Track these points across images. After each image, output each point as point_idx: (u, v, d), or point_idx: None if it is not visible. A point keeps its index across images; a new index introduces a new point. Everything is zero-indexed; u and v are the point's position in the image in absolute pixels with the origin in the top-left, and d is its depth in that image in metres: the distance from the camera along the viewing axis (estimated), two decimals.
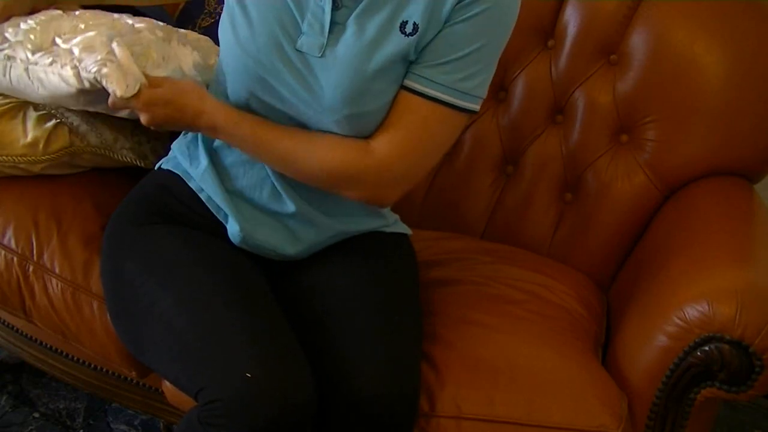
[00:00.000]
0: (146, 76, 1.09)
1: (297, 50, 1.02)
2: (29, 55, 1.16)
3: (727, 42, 1.37)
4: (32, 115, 1.30)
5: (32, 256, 1.27)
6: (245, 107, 1.08)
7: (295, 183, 1.11)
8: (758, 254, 1.12)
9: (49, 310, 1.27)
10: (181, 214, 1.15)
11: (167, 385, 1.22)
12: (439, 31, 1.01)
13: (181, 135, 1.22)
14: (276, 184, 1.11)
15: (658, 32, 1.40)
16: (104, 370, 1.37)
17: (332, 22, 1.01)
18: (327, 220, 1.15)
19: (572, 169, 1.48)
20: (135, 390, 1.36)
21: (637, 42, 1.41)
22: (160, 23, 1.27)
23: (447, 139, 1.08)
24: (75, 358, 1.38)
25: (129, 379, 1.34)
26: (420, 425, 1.07)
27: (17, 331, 1.44)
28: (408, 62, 1.03)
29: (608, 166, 1.44)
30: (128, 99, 1.06)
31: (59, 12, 1.23)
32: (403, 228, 1.27)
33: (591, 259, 1.46)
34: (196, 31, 1.45)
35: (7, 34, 1.20)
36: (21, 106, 1.32)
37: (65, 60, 1.13)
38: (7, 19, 1.22)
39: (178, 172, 1.18)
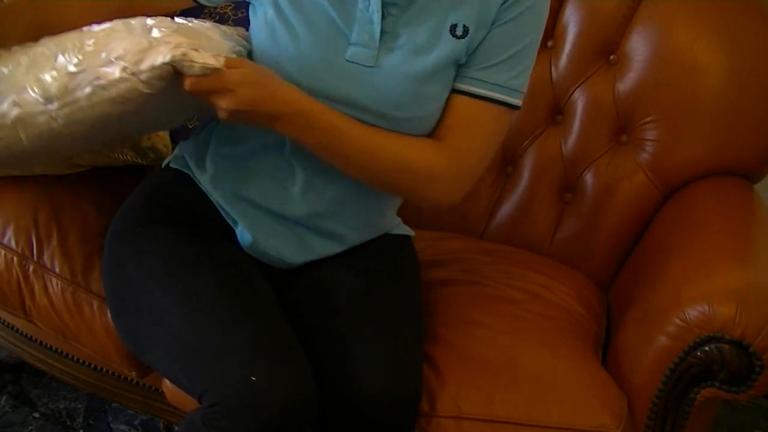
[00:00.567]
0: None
1: (347, 61, 1.02)
2: (48, 95, 0.94)
3: (727, 42, 1.37)
4: None
5: (32, 255, 1.27)
6: None
7: (314, 190, 1.09)
8: (758, 254, 1.12)
9: (49, 310, 1.27)
10: (185, 214, 1.14)
11: (167, 385, 1.22)
12: (487, 33, 1.02)
13: (192, 137, 1.21)
14: (294, 191, 1.09)
15: (658, 32, 1.40)
16: (104, 370, 1.37)
17: (381, 32, 1.01)
18: (341, 229, 1.14)
19: (572, 169, 1.48)
20: (135, 390, 1.36)
21: (637, 42, 1.41)
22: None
23: (501, 137, 1.10)
24: (75, 358, 1.38)
25: (129, 379, 1.34)
26: (420, 425, 1.07)
27: (17, 331, 1.44)
28: (458, 65, 1.04)
29: (608, 166, 1.44)
30: (215, 77, 0.92)
31: (40, 41, 1.02)
32: (405, 230, 1.27)
33: (591, 259, 1.46)
34: None
35: None
36: None
37: (108, 74, 0.93)
38: None
39: (186, 172, 1.17)
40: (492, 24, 1.02)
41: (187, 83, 0.92)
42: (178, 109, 1.13)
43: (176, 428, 1.45)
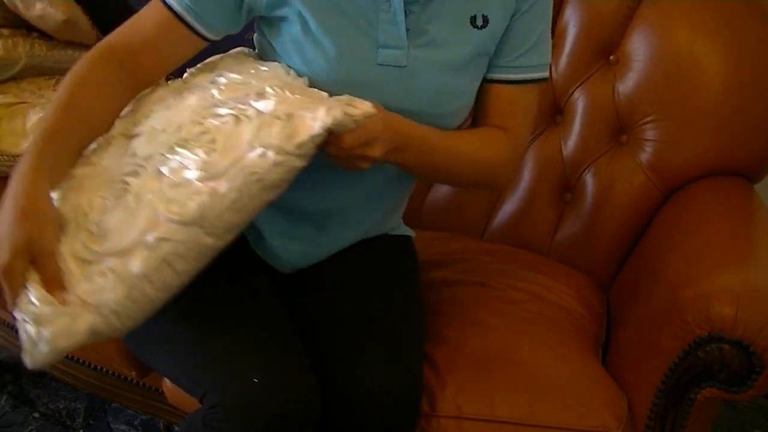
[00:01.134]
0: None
1: (380, 65, 1.01)
2: (193, 216, 0.85)
3: (727, 42, 1.37)
4: (32, 115, 1.31)
5: None
6: None
7: (330, 194, 1.09)
8: (758, 254, 1.12)
9: None
10: None
11: (167, 385, 1.22)
12: (509, 25, 1.05)
13: None
14: (312, 194, 1.08)
15: (658, 32, 1.40)
16: (104, 370, 1.36)
17: (407, 30, 1.01)
18: (350, 232, 1.15)
19: (572, 169, 1.48)
20: (135, 390, 1.36)
21: (637, 42, 1.41)
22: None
23: (536, 109, 1.15)
24: (75, 358, 1.38)
25: (129, 379, 1.34)
26: (420, 425, 1.07)
27: (17, 331, 1.43)
28: (487, 57, 1.06)
29: (608, 166, 1.44)
30: (363, 128, 0.90)
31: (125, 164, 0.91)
32: (405, 230, 1.28)
33: (591, 259, 1.46)
34: None
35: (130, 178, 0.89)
36: (21, 106, 1.32)
37: (260, 164, 0.86)
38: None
39: None
40: (513, 14, 1.04)
41: (347, 141, 0.90)
42: None
43: (176, 428, 1.45)
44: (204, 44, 1.03)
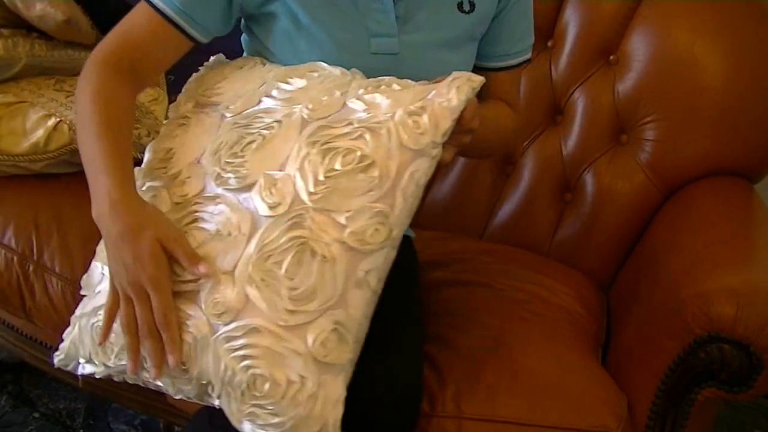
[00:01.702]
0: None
1: (373, 53, 1.02)
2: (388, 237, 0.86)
3: (727, 42, 1.37)
4: (32, 114, 1.31)
5: (32, 255, 1.27)
6: None
7: None
8: (758, 254, 1.12)
9: (50, 310, 1.27)
10: None
11: None
12: (504, 18, 1.10)
13: None
14: None
15: (658, 32, 1.40)
16: None
17: (396, 17, 1.02)
18: None
19: (572, 169, 1.48)
20: (135, 390, 1.36)
21: (637, 42, 1.41)
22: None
23: None
24: None
25: None
26: (420, 425, 1.07)
27: (17, 331, 1.44)
28: (476, 41, 1.09)
29: (608, 166, 1.44)
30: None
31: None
32: (406, 230, 1.27)
33: (591, 259, 1.46)
34: None
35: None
36: (21, 106, 1.32)
37: (423, 164, 0.87)
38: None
39: None
40: (499, 2, 1.08)
41: (467, 115, 0.89)
42: None
43: (177, 429, 1.45)
44: (191, 46, 1.03)
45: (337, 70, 0.97)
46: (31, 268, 1.27)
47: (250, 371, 0.81)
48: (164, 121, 1.01)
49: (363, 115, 0.89)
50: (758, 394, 1.00)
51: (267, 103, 0.93)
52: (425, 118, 0.87)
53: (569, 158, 1.48)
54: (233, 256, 0.84)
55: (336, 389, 0.85)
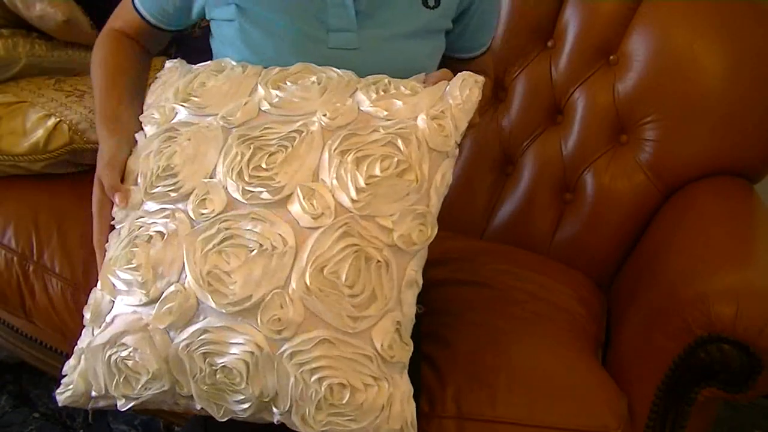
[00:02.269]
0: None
1: (330, 48, 1.02)
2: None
3: (727, 42, 1.37)
4: (32, 114, 1.31)
5: (32, 255, 1.27)
6: None
7: None
8: (758, 254, 1.12)
9: (49, 310, 1.27)
10: None
11: None
12: (466, 11, 1.10)
13: None
14: None
15: (658, 32, 1.40)
16: None
17: (356, 12, 1.02)
18: None
19: (572, 169, 1.48)
20: None
21: (637, 42, 1.41)
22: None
23: None
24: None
25: None
26: (420, 425, 1.07)
27: (17, 331, 1.44)
28: (442, 33, 1.09)
29: (608, 166, 1.44)
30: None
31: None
32: None
33: (591, 259, 1.46)
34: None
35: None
36: (21, 105, 1.32)
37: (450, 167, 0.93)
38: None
39: None
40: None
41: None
42: None
43: (177, 429, 1.45)
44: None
45: (332, 72, 0.97)
46: (31, 268, 1.27)
47: (326, 382, 0.82)
48: (139, 134, 0.99)
49: (387, 122, 0.91)
50: (758, 394, 1.00)
51: (272, 112, 0.93)
52: (449, 121, 0.91)
53: (569, 158, 1.48)
54: (284, 271, 0.83)
55: (406, 386, 0.88)
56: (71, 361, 0.94)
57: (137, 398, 0.88)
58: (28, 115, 1.30)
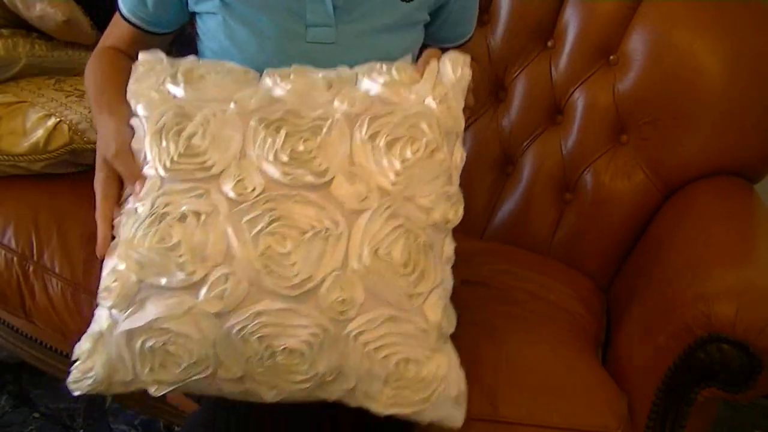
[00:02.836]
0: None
1: (308, 42, 1.03)
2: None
3: (727, 42, 1.37)
4: (32, 114, 1.31)
5: (32, 255, 1.27)
6: None
7: None
8: (758, 254, 1.12)
9: (49, 310, 1.27)
10: None
11: None
12: (446, 5, 1.11)
13: None
14: None
15: (658, 32, 1.39)
16: None
17: (334, 7, 1.02)
18: None
19: (572, 169, 1.48)
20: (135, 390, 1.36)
21: (637, 42, 1.41)
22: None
23: None
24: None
25: None
26: (420, 425, 1.07)
27: (17, 331, 1.44)
28: (420, 24, 1.09)
29: (608, 166, 1.44)
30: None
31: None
32: None
33: (591, 259, 1.46)
34: None
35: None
36: (21, 105, 1.32)
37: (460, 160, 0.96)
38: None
39: None
40: None
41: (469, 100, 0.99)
42: None
43: (177, 429, 1.45)
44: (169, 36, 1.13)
45: (329, 71, 0.98)
46: (31, 269, 1.27)
47: (394, 358, 0.86)
48: (134, 119, 0.98)
49: (401, 106, 0.93)
50: (758, 394, 1.00)
51: (287, 99, 0.93)
52: (453, 102, 0.95)
53: (569, 158, 1.48)
54: (340, 253, 0.85)
55: (456, 355, 0.93)
56: (84, 345, 0.89)
57: (174, 384, 0.87)
58: (28, 115, 1.30)
